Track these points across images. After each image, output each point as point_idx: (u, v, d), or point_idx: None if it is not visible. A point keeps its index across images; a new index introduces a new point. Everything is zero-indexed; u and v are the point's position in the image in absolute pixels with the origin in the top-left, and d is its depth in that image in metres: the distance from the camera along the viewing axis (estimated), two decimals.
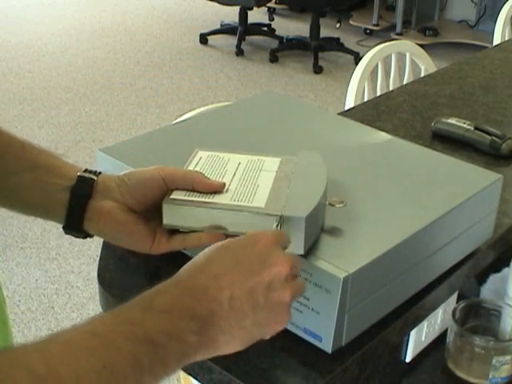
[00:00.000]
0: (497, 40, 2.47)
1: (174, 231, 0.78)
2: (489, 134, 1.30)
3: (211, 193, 0.77)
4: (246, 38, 5.07)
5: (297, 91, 4.32)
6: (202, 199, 0.76)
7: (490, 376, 0.93)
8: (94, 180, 0.76)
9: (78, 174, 0.77)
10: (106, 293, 0.90)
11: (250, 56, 4.93)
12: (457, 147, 1.32)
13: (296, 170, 0.82)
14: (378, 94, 1.86)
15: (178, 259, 0.88)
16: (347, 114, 1.46)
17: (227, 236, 0.75)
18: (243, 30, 5.00)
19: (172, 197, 0.76)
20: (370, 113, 1.47)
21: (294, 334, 0.78)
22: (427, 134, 1.38)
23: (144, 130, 3.71)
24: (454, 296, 1.01)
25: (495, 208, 0.96)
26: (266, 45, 5.07)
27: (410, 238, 0.80)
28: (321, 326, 0.75)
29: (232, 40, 5.00)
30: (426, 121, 1.43)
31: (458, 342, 0.95)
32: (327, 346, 0.76)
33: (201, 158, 0.85)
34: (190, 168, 0.82)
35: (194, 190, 0.77)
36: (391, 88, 1.93)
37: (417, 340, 0.98)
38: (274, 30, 5.31)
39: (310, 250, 0.76)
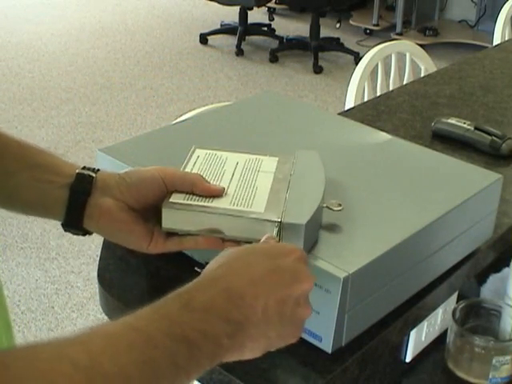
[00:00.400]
0: (497, 40, 2.46)
1: (171, 232, 0.78)
2: (489, 134, 1.30)
3: (210, 197, 0.77)
4: (246, 37, 5.07)
5: (297, 91, 4.32)
6: (201, 203, 0.76)
7: (490, 376, 0.93)
8: (92, 177, 0.76)
9: (77, 171, 0.77)
10: (106, 293, 0.90)
11: (250, 56, 4.93)
12: (457, 147, 1.32)
13: (294, 172, 0.82)
14: (378, 93, 1.86)
15: (178, 259, 0.88)
16: (347, 113, 1.46)
17: (225, 240, 0.76)
18: (243, 30, 5.00)
19: (171, 200, 0.76)
20: (370, 113, 1.47)
21: None
22: (427, 134, 1.38)
23: (144, 129, 3.71)
24: (454, 296, 1.01)
25: (495, 208, 0.96)
26: (266, 45, 5.07)
27: (409, 238, 0.80)
28: (321, 326, 0.75)
29: (232, 40, 5.00)
30: (425, 121, 1.43)
31: (458, 341, 0.95)
32: (327, 346, 0.76)
33: (198, 156, 0.85)
34: (188, 168, 0.82)
35: (192, 193, 0.77)
36: (391, 88, 1.93)
37: (417, 340, 0.98)
38: (274, 30, 5.31)
39: (310, 249, 0.76)
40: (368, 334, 0.80)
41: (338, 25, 5.37)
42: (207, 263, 0.85)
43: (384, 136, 1.08)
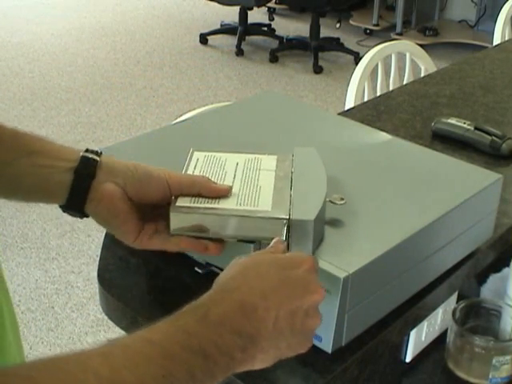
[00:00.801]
0: (497, 40, 2.46)
1: (159, 230, 0.78)
2: (489, 134, 1.30)
3: (216, 197, 0.77)
4: (246, 37, 5.07)
5: (297, 91, 4.32)
6: (208, 205, 0.76)
7: (490, 376, 0.93)
8: (97, 161, 0.76)
9: (81, 154, 0.76)
10: (106, 293, 0.90)
11: (250, 56, 4.93)
12: (457, 147, 1.32)
13: (295, 169, 0.82)
14: (378, 93, 1.86)
15: (178, 259, 0.88)
16: (347, 114, 1.46)
17: (213, 240, 0.76)
18: (243, 30, 5.00)
19: (178, 204, 0.76)
20: (370, 113, 1.47)
21: None
22: (427, 133, 1.38)
23: (144, 129, 3.71)
24: (454, 296, 1.01)
25: (495, 208, 0.96)
26: (266, 45, 5.07)
27: (410, 237, 0.80)
28: (321, 326, 0.75)
29: (232, 40, 5.00)
30: (425, 121, 1.43)
31: (458, 341, 0.95)
32: (327, 346, 0.76)
33: (198, 159, 0.85)
34: (190, 171, 0.82)
35: (198, 196, 0.77)
36: (391, 88, 1.93)
37: (417, 340, 0.98)
38: (274, 30, 5.31)
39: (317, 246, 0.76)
40: (368, 334, 0.80)
41: (338, 25, 5.37)
42: (207, 263, 0.85)
43: (384, 136, 1.08)
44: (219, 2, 4.80)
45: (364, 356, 0.80)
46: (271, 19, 5.63)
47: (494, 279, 1.09)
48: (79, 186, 0.75)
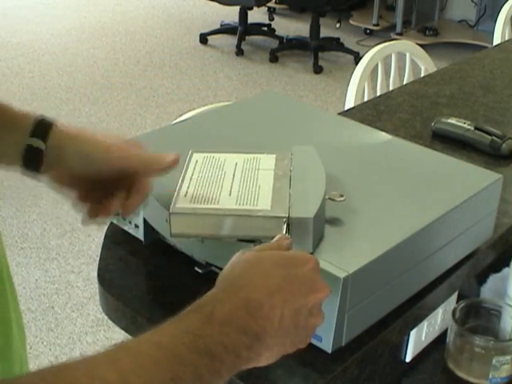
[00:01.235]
0: (497, 40, 2.46)
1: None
2: (489, 133, 1.30)
3: (214, 196, 0.77)
4: (246, 37, 5.07)
5: (297, 91, 4.32)
6: (208, 206, 0.76)
7: (490, 376, 0.93)
8: (42, 150, 0.74)
9: (26, 142, 0.74)
10: (106, 293, 0.90)
11: (250, 56, 4.93)
12: (457, 147, 1.32)
13: (294, 167, 0.82)
14: (378, 93, 1.86)
15: (178, 259, 0.88)
16: (347, 114, 1.46)
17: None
18: (243, 29, 5.00)
19: (178, 206, 0.76)
20: (370, 113, 1.48)
21: None
22: (427, 133, 1.38)
23: (144, 129, 3.71)
24: (454, 296, 1.01)
25: (495, 208, 0.96)
26: (266, 45, 5.07)
27: (410, 237, 0.80)
28: (321, 326, 0.75)
29: (232, 40, 5.00)
30: (425, 121, 1.43)
31: (458, 341, 0.95)
32: (327, 345, 0.76)
33: (197, 161, 0.85)
34: (189, 173, 0.82)
35: (197, 194, 0.77)
36: (391, 88, 1.93)
37: (417, 340, 0.98)
38: (274, 30, 5.31)
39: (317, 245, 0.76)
40: (368, 334, 0.80)
41: (338, 25, 5.37)
42: (207, 263, 0.85)
43: (384, 136, 1.08)
44: (219, 2, 4.80)
45: (364, 356, 0.80)
46: (271, 19, 5.63)
47: (493, 279, 1.09)
48: (29, 166, 0.74)
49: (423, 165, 0.97)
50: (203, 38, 5.08)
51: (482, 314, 0.99)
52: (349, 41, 5.13)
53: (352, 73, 1.86)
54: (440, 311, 0.99)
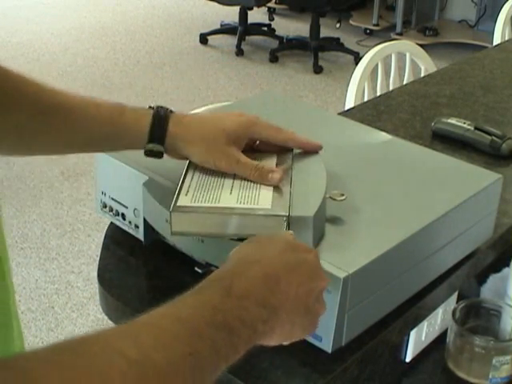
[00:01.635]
0: (497, 40, 2.46)
1: None
2: (489, 134, 1.30)
3: (214, 195, 0.77)
4: (246, 38, 5.07)
5: (297, 91, 4.32)
6: (209, 204, 0.76)
7: (490, 376, 0.93)
8: (161, 152, 0.82)
9: (146, 149, 0.81)
10: (106, 293, 0.90)
11: (250, 56, 4.93)
12: (457, 147, 1.32)
13: (294, 166, 0.82)
14: (378, 93, 1.86)
15: (178, 259, 0.88)
16: (347, 114, 1.46)
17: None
18: (243, 30, 5.00)
19: (179, 204, 0.76)
20: (370, 113, 1.48)
21: None
22: (427, 134, 1.38)
23: None
24: (454, 296, 1.01)
25: (495, 208, 0.96)
26: (266, 45, 5.07)
27: (409, 237, 0.80)
28: (321, 326, 0.75)
29: (232, 40, 5.00)
30: (425, 121, 1.43)
31: (458, 341, 0.95)
32: (327, 345, 0.76)
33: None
34: (189, 175, 0.82)
35: (198, 193, 0.77)
36: (391, 88, 1.93)
37: (417, 340, 0.98)
38: (274, 30, 5.31)
39: (319, 242, 0.76)
40: (368, 334, 0.80)
41: (338, 25, 5.37)
42: (207, 263, 0.85)
43: (384, 136, 1.08)
44: (219, 2, 4.80)
45: (364, 356, 0.80)
46: (271, 19, 5.63)
47: (493, 279, 1.09)
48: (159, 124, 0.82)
49: (423, 165, 0.97)
50: (203, 38, 5.09)
51: (481, 314, 0.99)
52: (349, 41, 5.13)
53: (352, 73, 1.86)
54: (440, 311, 0.99)
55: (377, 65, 1.92)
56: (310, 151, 0.88)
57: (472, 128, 1.32)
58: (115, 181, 0.94)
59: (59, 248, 2.72)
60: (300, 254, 0.65)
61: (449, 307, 0.99)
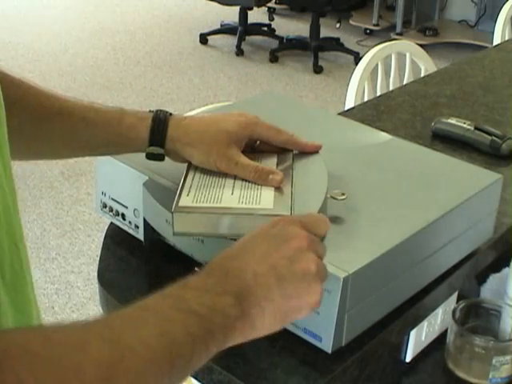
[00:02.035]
0: (497, 40, 2.46)
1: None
2: (489, 134, 1.30)
3: (216, 195, 0.77)
4: (246, 37, 5.07)
5: (297, 91, 4.32)
6: (211, 205, 0.76)
7: (490, 376, 0.93)
8: (162, 154, 0.83)
9: (147, 151, 0.82)
10: (106, 293, 0.90)
11: (250, 56, 4.93)
12: (457, 147, 1.32)
13: (295, 166, 0.82)
14: (378, 93, 1.86)
15: (178, 259, 0.88)
16: (347, 114, 1.46)
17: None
18: (243, 30, 5.00)
19: (180, 205, 0.76)
20: (370, 113, 1.48)
21: (293, 334, 0.78)
22: (427, 134, 1.38)
23: None
24: (454, 296, 1.01)
25: (495, 208, 0.96)
26: (266, 45, 5.07)
27: (410, 237, 0.80)
28: (321, 326, 0.75)
29: (232, 40, 5.00)
30: (425, 121, 1.43)
31: (458, 341, 0.95)
32: (327, 346, 0.76)
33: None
34: (190, 176, 0.82)
35: (199, 194, 0.77)
36: (391, 88, 1.93)
37: (417, 340, 0.98)
38: (274, 30, 5.31)
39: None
40: (368, 334, 0.80)
41: (338, 25, 5.37)
42: (207, 263, 0.85)
43: (384, 136, 1.08)
44: (219, 2, 4.80)
45: (364, 356, 0.80)
46: (271, 19, 5.63)
47: (493, 279, 1.09)
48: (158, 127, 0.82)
49: (423, 165, 0.97)
50: (203, 38, 5.09)
51: (481, 314, 0.99)
52: (349, 41, 5.13)
53: (352, 73, 1.86)
54: (440, 311, 0.99)
55: (377, 65, 1.92)
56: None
57: (472, 128, 1.32)
58: (115, 181, 0.94)
59: (59, 248, 2.72)
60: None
61: (449, 307, 0.99)
